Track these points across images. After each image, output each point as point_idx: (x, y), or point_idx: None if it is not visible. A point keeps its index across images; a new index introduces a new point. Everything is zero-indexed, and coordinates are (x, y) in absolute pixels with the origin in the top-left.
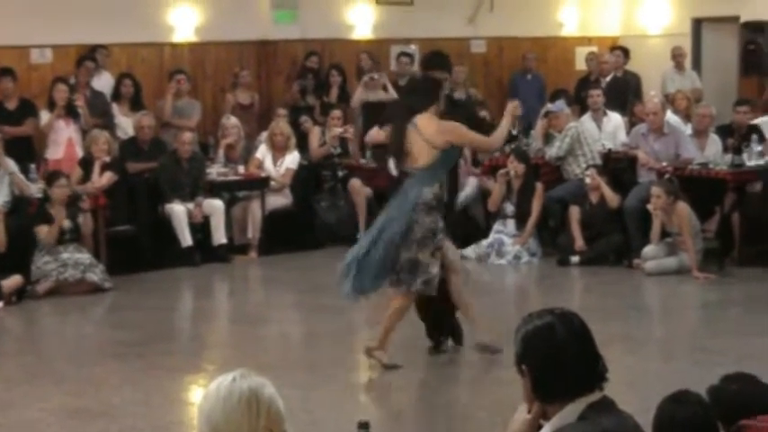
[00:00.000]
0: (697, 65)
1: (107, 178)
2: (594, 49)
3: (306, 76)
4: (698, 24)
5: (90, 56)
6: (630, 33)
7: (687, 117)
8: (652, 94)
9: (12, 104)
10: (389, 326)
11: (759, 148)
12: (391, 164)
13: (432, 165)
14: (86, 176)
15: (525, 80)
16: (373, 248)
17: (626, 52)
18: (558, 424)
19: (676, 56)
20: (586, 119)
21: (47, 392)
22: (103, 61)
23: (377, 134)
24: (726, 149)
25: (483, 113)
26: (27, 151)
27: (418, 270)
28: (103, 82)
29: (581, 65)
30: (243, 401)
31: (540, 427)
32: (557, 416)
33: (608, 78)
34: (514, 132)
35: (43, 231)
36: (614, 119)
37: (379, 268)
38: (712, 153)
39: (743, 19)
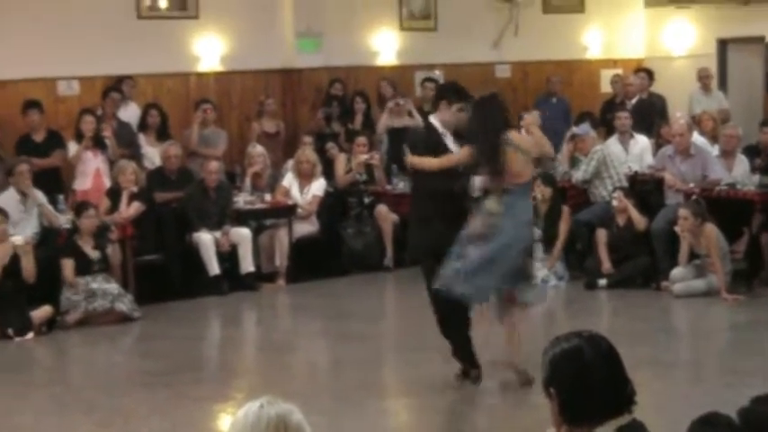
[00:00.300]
0: (723, 85)
1: (135, 208)
2: (619, 71)
3: (330, 104)
4: (723, 45)
5: (116, 87)
6: (655, 55)
7: (714, 138)
8: (678, 116)
9: (39, 136)
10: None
11: None
12: (476, 183)
13: (531, 178)
14: (114, 207)
15: (550, 104)
16: (502, 253)
17: (650, 74)
18: None
19: (702, 77)
20: (613, 141)
21: (76, 422)
22: (130, 92)
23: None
24: (753, 170)
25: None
26: (55, 182)
27: (526, 277)
28: (130, 113)
29: (606, 87)
30: (271, 428)
31: None
32: None
33: (634, 101)
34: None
35: (68, 267)
36: (641, 141)
37: (507, 271)
38: (740, 173)
39: None
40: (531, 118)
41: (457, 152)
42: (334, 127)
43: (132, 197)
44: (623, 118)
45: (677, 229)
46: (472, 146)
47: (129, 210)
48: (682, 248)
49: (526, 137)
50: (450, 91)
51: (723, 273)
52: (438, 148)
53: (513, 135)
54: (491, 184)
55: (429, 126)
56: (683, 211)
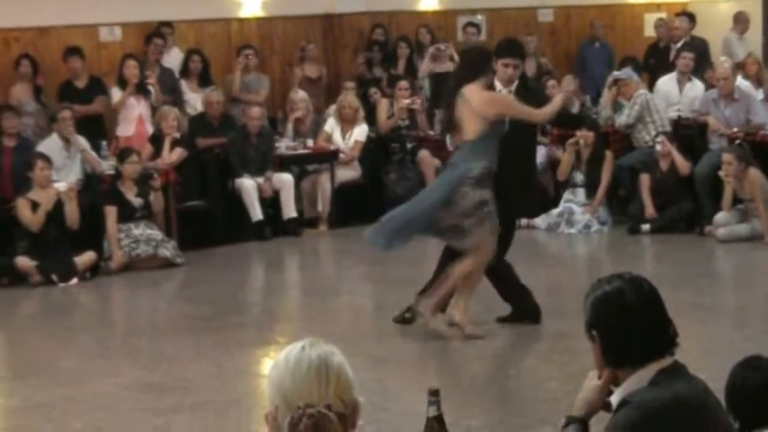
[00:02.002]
0: (767, 28)
1: (177, 154)
2: (663, 15)
3: (372, 49)
4: None
5: (158, 32)
6: None
7: (758, 82)
8: (722, 60)
9: (81, 83)
10: (451, 289)
11: None
12: (448, 139)
13: (481, 137)
14: (157, 153)
15: (593, 48)
16: (408, 206)
17: (692, 17)
18: (628, 389)
19: (741, 21)
20: (668, 80)
21: (120, 366)
22: (170, 39)
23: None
24: None
25: (551, 82)
26: (98, 129)
27: (463, 234)
28: (172, 58)
29: (650, 32)
30: (312, 369)
31: (611, 392)
32: (627, 381)
33: (679, 45)
34: (575, 111)
35: (111, 217)
36: (697, 86)
37: (404, 225)
38: None
39: None
40: (565, 81)
41: None
42: (376, 72)
43: (175, 143)
44: (688, 58)
45: (721, 173)
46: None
47: (172, 156)
48: (726, 193)
49: (483, 95)
50: (499, 48)
51: (767, 217)
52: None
53: (467, 90)
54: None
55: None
56: (727, 156)
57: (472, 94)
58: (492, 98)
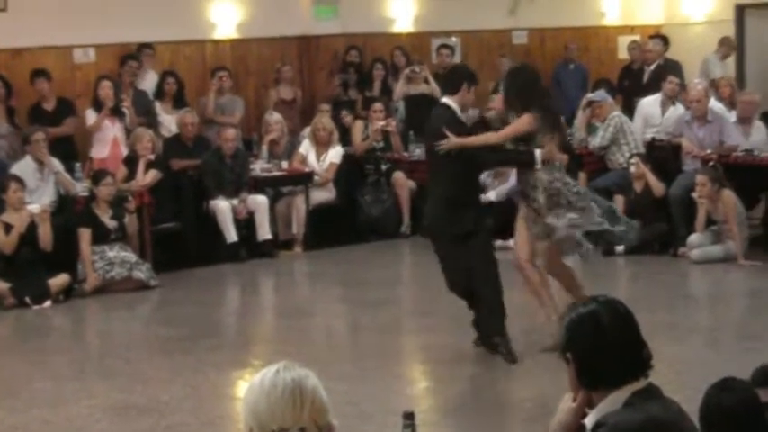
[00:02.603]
0: (741, 51)
1: (151, 176)
2: (637, 38)
3: (347, 71)
4: (741, 11)
5: (134, 55)
6: (673, 21)
7: (731, 104)
8: (696, 82)
9: (49, 105)
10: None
11: None
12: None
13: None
14: (131, 175)
15: (568, 70)
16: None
17: (665, 40)
18: (603, 411)
19: (725, 45)
20: (653, 102)
21: (95, 389)
22: (148, 61)
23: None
24: None
25: None
26: (69, 151)
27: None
28: (149, 81)
29: (623, 54)
30: (287, 393)
31: (586, 414)
32: (602, 403)
33: (652, 67)
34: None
35: (84, 239)
36: (680, 110)
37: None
38: (757, 140)
39: None
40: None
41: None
42: (351, 94)
43: (149, 165)
44: (674, 83)
45: (695, 195)
46: (534, 114)
47: (146, 178)
48: (699, 214)
49: None
50: (471, 75)
51: (740, 239)
52: (462, 129)
53: None
54: (552, 155)
55: (448, 107)
56: (700, 177)
57: None
58: None
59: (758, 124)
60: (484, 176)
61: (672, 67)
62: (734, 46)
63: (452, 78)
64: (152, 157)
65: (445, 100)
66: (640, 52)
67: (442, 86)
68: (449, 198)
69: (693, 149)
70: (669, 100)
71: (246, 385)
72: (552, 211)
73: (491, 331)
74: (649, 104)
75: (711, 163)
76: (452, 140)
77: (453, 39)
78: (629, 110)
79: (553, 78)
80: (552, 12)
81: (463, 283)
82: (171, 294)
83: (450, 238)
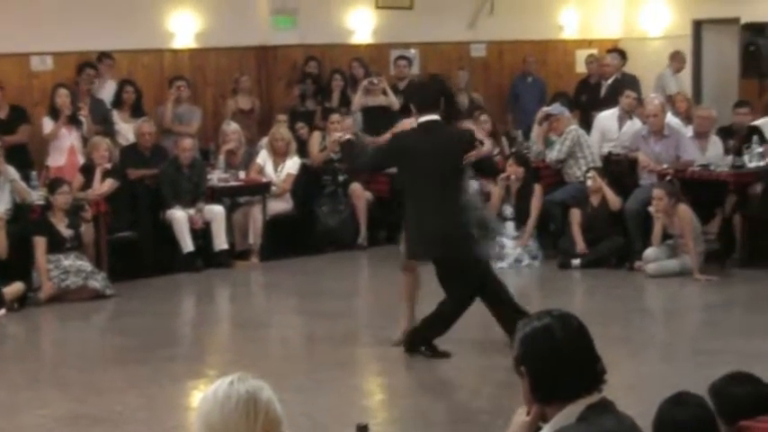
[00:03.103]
0: (697, 67)
1: (108, 185)
2: (595, 51)
3: (305, 81)
4: (698, 26)
5: (91, 63)
6: (631, 36)
7: (688, 119)
8: (653, 97)
9: (2, 113)
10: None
11: (760, 149)
12: None
13: None
14: (88, 183)
15: (526, 83)
16: None
17: (623, 54)
18: (557, 425)
19: (677, 59)
20: (610, 116)
21: (49, 398)
22: (107, 70)
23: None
24: (727, 151)
25: (484, 117)
26: (23, 159)
27: None
28: (108, 89)
29: (581, 68)
30: (241, 404)
31: (540, 428)
32: (556, 417)
33: (610, 81)
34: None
35: (40, 248)
36: (637, 125)
37: None
38: (713, 155)
39: (743, 20)
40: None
41: None
42: (309, 105)
43: (106, 174)
44: (631, 97)
45: (651, 209)
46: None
47: (103, 186)
48: (655, 229)
49: None
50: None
51: (696, 253)
52: None
53: None
54: None
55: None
56: (657, 192)
57: None
58: None
59: (714, 139)
60: None
61: (629, 82)
62: (685, 60)
63: (430, 95)
64: (109, 165)
65: (430, 117)
66: (598, 66)
67: (419, 105)
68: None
69: (650, 164)
70: (626, 114)
71: (201, 396)
72: None
73: (425, 338)
74: (606, 118)
75: (668, 177)
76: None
77: (412, 51)
78: (586, 124)
79: (511, 91)
80: (511, 25)
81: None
82: (126, 304)
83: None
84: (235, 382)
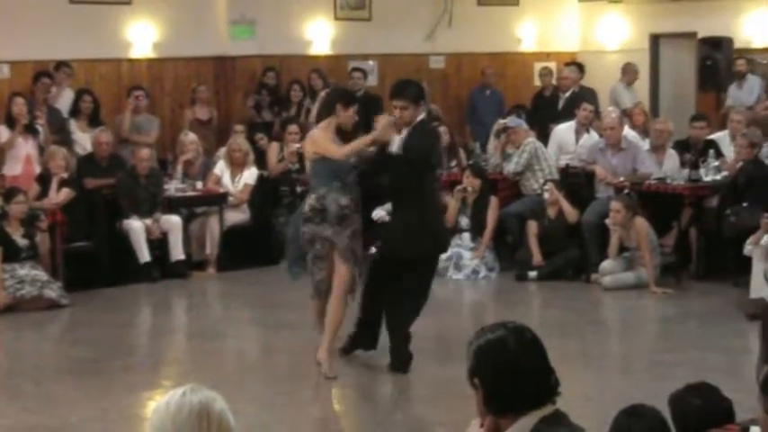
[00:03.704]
0: (655, 80)
1: (65, 194)
2: (553, 64)
3: (260, 92)
4: (656, 40)
5: (47, 72)
6: (588, 49)
7: (645, 132)
8: (610, 110)
9: None
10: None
11: (716, 163)
12: None
13: (309, 173)
14: (44, 193)
15: (484, 96)
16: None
17: (581, 67)
18: None
19: (629, 72)
20: (567, 129)
21: (2, 409)
22: (65, 79)
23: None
24: (683, 164)
25: (442, 128)
26: None
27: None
28: (66, 99)
29: (539, 80)
30: (193, 415)
31: None
32: (509, 429)
33: (567, 94)
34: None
35: None
36: (594, 137)
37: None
38: (670, 168)
39: (700, 35)
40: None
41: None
42: (265, 116)
43: (62, 183)
44: (588, 110)
45: (608, 221)
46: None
47: (59, 196)
48: (612, 241)
49: (312, 136)
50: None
51: (652, 266)
52: None
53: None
54: None
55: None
56: (615, 204)
57: (311, 134)
58: (313, 137)
59: (671, 152)
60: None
61: (587, 95)
62: (637, 72)
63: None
64: (65, 175)
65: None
66: (551, 78)
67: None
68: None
69: (607, 176)
70: (583, 127)
71: (153, 407)
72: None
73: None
74: (563, 131)
75: (626, 190)
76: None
77: (370, 62)
78: (542, 136)
79: (469, 103)
80: (469, 37)
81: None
82: (82, 314)
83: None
84: (187, 392)
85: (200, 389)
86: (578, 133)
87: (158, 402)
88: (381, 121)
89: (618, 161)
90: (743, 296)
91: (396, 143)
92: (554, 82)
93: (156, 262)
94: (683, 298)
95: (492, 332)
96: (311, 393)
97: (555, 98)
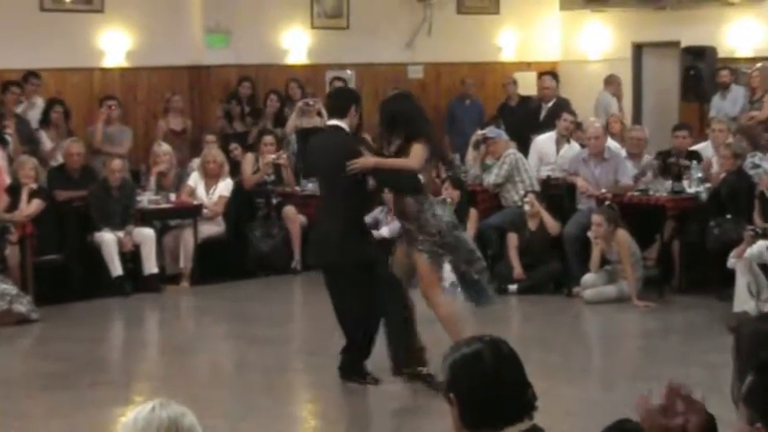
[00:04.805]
0: (638, 90)
1: (35, 206)
2: (533, 74)
3: (230, 102)
4: (638, 49)
5: (16, 81)
6: (570, 58)
7: (622, 140)
8: (593, 120)
9: None
10: None
11: (699, 174)
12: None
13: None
14: (14, 205)
15: (464, 106)
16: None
17: (555, 77)
18: None
19: (613, 83)
20: (547, 139)
21: None
22: (32, 90)
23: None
24: (663, 174)
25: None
26: None
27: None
28: (37, 109)
29: (521, 90)
30: (162, 431)
31: None
32: None
33: (550, 104)
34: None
35: None
36: (574, 148)
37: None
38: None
39: (683, 44)
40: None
41: None
42: (237, 126)
43: (32, 194)
44: (569, 120)
45: (590, 234)
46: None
47: (30, 207)
48: (593, 254)
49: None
50: (358, 97)
51: (634, 279)
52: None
53: None
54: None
55: (342, 129)
56: (597, 217)
57: None
58: None
59: (647, 158)
60: (377, 212)
61: (564, 105)
62: (620, 83)
63: (341, 101)
64: (35, 185)
65: (336, 122)
66: (540, 89)
67: (330, 109)
68: (354, 225)
69: (588, 188)
70: (563, 138)
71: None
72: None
73: (406, 364)
74: (543, 142)
75: (607, 202)
76: (369, 160)
77: (348, 71)
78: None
79: (448, 113)
80: (449, 46)
81: (355, 315)
82: (52, 329)
83: (353, 268)
84: (156, 407)
85: (170, 404)
86: (559, 144)
87: (127, 417)
88: (418, 151)
89: (600, 172)
90: (726, 310)
91: None
92: (526, 93)
93: (128, 275)
94: (666, 311)
95: (468, 346)
96: (286, 409)
97: (526, 108)
